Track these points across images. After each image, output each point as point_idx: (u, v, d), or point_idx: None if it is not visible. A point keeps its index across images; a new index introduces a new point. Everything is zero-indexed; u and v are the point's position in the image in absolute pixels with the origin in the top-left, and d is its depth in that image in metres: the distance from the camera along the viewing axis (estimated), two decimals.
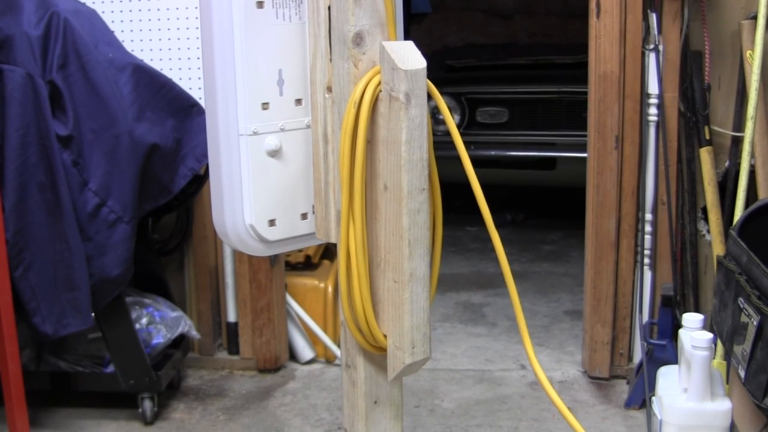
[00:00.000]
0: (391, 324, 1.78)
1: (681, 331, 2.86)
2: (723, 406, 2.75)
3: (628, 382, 3.60)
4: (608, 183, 3.52)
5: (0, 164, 2.89)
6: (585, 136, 3.60)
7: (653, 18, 3.37)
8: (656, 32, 3.38)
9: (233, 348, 3.92)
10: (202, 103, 3.19)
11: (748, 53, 3.20)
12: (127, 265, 3.15)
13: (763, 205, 2.80)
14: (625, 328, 3.65)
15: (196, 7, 3.40)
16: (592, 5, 3.42)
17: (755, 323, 2.40)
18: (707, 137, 3.38)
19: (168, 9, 3.52)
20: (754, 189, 3.20)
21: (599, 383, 3.67)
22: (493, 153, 5.57)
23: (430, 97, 1.77)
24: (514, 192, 6.66)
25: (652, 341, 3.36)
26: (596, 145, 3.51)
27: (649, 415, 3.05)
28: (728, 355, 2.70)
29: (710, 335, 2.69)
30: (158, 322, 3.47)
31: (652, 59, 3.41)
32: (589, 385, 3.68)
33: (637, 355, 3.59)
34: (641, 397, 3.38)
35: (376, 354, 1.88)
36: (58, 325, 3.04)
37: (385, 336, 1.81)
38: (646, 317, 3.54)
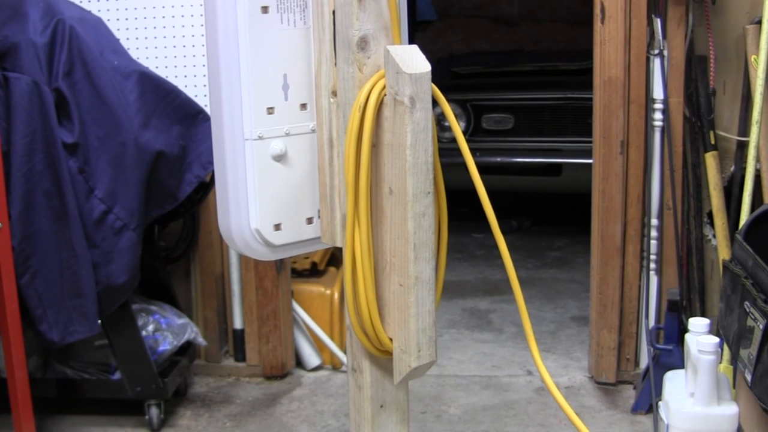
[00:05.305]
0: (397, 327, 1.78)
1: (687, 336, 2.85)
2: (730, 410, 2.74)
3: (634, 387, 3.60)
4: (614, 188, 3.52)
5: (6, 172, 2.90)
6: (591, 142, 3.60)
7: (658, 23, 3.38)
8: (661, 37, 3.39)
9: (240, 355, 3.92)
10: (207, 110, 3.19)
11: (752, 58, 3.20)
12: (133, 272, 3.15)
13: None
14: (631, 334, 3.65)
15: (201, 14, 3.41)
16: (597, 11, 3.42)
17: (761, 327, 2.39)
18: (712, 142, 3.38)
19: (173, 16, 3.53)
20: (759, 193, 3.20)
21: (606, 388, 3.67)
22: (498, 159, 5.57)
23: (435, 103, 1.77)
24: (519, 198, 6.67)
25: (658, 346, 3.36)
26: (601, 151, 3.51)
27: (656, 420, 3.04)
28: (735, 359, 2.70)
29: (717, 339, 2.68)
30: (165, 329, 3.47)
31: (656, 64, 3.41)
32: (596, 390, 3.67)
33: (644, 360, 3.58)
34: (648, 402, 3.37)
35: (382, 358, 1.88)
36: (64, 332, 3.04)
37: (390, 339, 1.81)
38: (652, 322, 3.53)
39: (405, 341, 1.77)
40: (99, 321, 3.14)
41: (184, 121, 3.23)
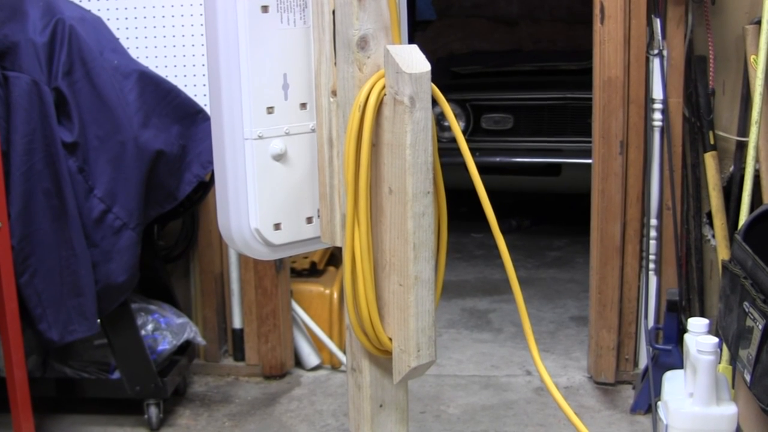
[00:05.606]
0: (397, 327, 1.78)
1: (686, 336, 2.86)
2: (729, 410, 2.74)
3: (633, 388, 3.60)
4: (613, 188, 3.52)
5: (6, 171, 2.90)
6: (590, 142, 3.60)
7: (657, 23, 3.38)
8: (660, 37, 3.39)
9: (239, 354, 3.92)
10: (207, 109, 3.19)
11: (752, 58, 3.20)
12: (132, 272, 3.15)
13: (767, 209, 2.80)
14: (630, 334, 3.65)
15: (201, 14, 3.41)
16: (597, 11, 3.42)
17: (760, 327, 2.39)
18: (712, 142, 3.38)
19: (173, 16, 3.53)
20: (758, 193, 3.20)
21: (605, 389, 3.67)
22: (498, 159, 5.57)
23: (435, 103, 1.77)
24: (519, 198, 6.66)
25: (657, 346, 3.36)
26: (601, 151, 3.51)
27: (655, 420, 3.04)
28: (734, 360, 2.70)
29: (716, 339, 2.68)
30: (164, 329, 3.47)
31: (656, 64, 3.41)
32: (595, 390, 3.67)
33: (643, 361, 3.58)
34: (647, 402, 3.38)
35: (382, 357, 1.88)
36: (64, 331, 3.05)
37: (390, 339, 1.81)
38: (651, 322, 3.53)
39: (404, 341, 1.77)
40: (98, 320, 3.14)
41: (184, 120, 3.23)
